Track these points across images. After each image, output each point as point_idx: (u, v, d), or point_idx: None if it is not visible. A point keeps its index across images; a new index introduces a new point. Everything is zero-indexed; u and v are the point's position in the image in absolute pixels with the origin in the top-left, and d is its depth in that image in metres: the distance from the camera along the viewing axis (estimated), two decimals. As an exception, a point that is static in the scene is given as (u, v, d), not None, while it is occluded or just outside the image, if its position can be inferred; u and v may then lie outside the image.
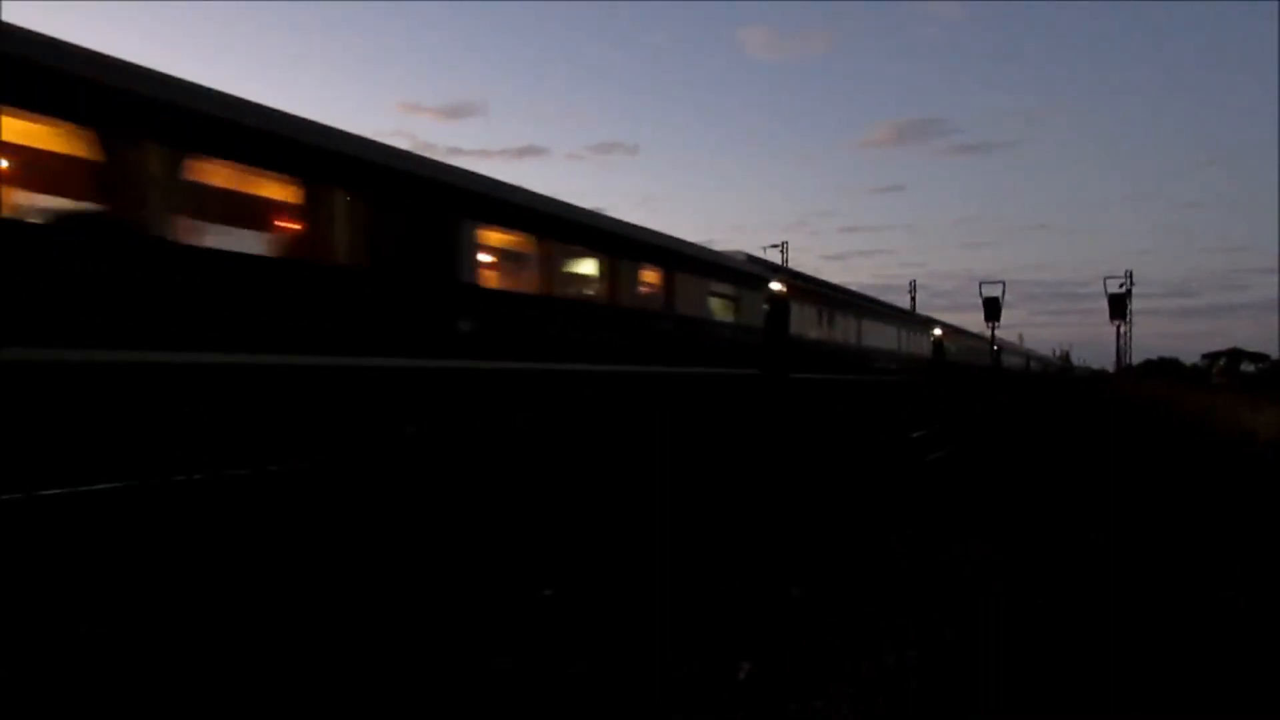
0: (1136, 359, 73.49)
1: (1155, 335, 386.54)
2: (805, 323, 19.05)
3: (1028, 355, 75.42)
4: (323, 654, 5.36)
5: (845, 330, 22.70)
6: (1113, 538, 8.76)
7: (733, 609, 6.38)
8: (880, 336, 25.53)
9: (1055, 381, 79.78)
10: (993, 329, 44.76)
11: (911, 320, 31.22)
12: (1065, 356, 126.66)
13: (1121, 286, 51.38)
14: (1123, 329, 53.20)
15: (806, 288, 20.10)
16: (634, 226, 13.17)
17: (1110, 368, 72.82)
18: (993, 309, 43.34)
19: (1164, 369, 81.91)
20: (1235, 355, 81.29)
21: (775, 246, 45.91)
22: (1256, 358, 78.51)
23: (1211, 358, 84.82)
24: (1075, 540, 8.54)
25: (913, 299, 56.99)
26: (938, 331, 34.71)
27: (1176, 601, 6.62)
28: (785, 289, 17.76)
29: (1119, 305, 50.87)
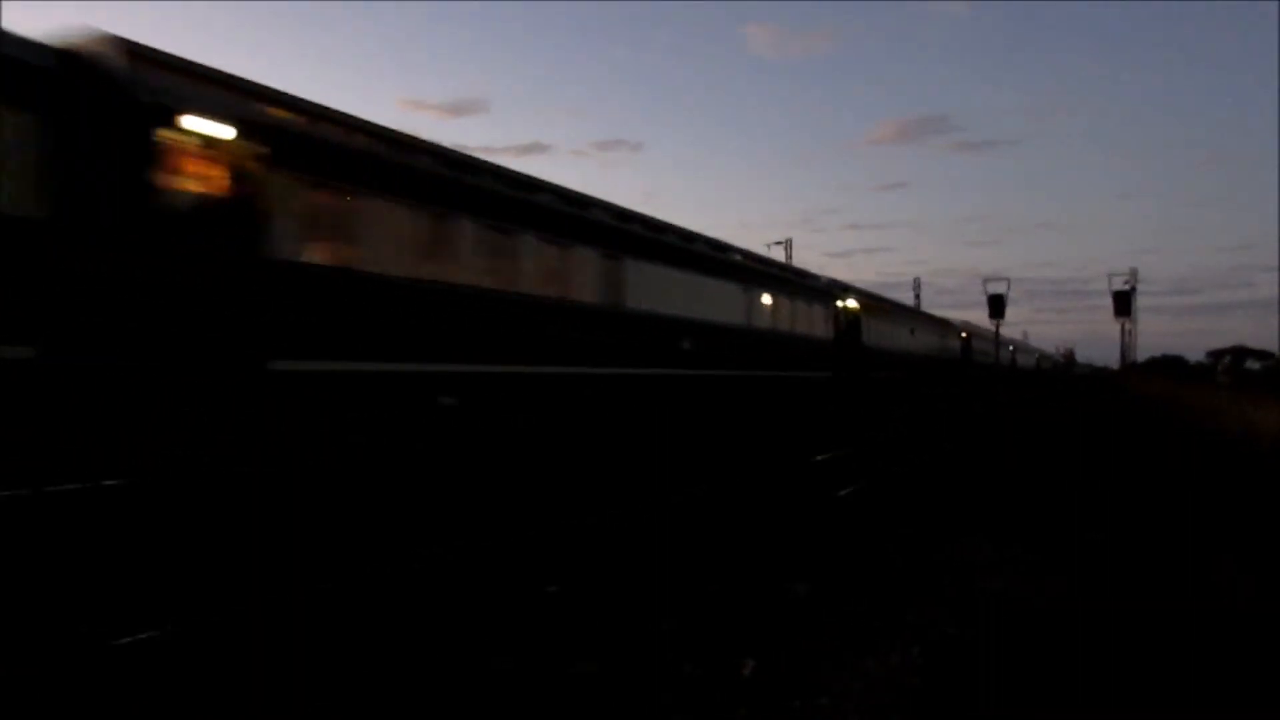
0: (1141, 356, 73.16)
1: (1159, 333, 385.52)
2: (420, 249, 8.93)
3: (1011, 348, 56.85)
4: (327, 654, 5.39)
5: (578, 278, 11.57)
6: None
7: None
8: (696, 300, 14.44)
9: (1051, 380, 71.55)
10: (998, 326, 44.61)
11: (789, 282, 18.79)
12: (1069, 354, 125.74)
13: (1126, 284, 51.29)
14: (1127, 326, 53.12)
15: (422, 170, 9.28)
16: None
17: (1114, 365, 72.29)
18: (997, 306, 43.31)
19: (1169, 366, 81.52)
20: (1240, 353, 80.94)
21: (779, 244, 45.90)
22: (1262, 355, 78.17)
23: (1216, 355, 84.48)
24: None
25: (917, 296, 56.86)
26: (850, 304, 21.98)
27: (1178, 601, 6.64)
28: (307, 143, 7.63)
29: (1123, 302, 50.73)
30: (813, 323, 20.46)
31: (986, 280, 43.88)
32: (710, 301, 15.19)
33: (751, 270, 17.59)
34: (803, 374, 19.29)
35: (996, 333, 46.09)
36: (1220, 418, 22.26)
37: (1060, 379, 78.08)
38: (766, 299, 17.76)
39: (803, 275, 21.79)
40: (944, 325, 38.14)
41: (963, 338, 40.31)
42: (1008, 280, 43.05)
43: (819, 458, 14.89)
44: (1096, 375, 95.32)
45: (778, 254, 41.73)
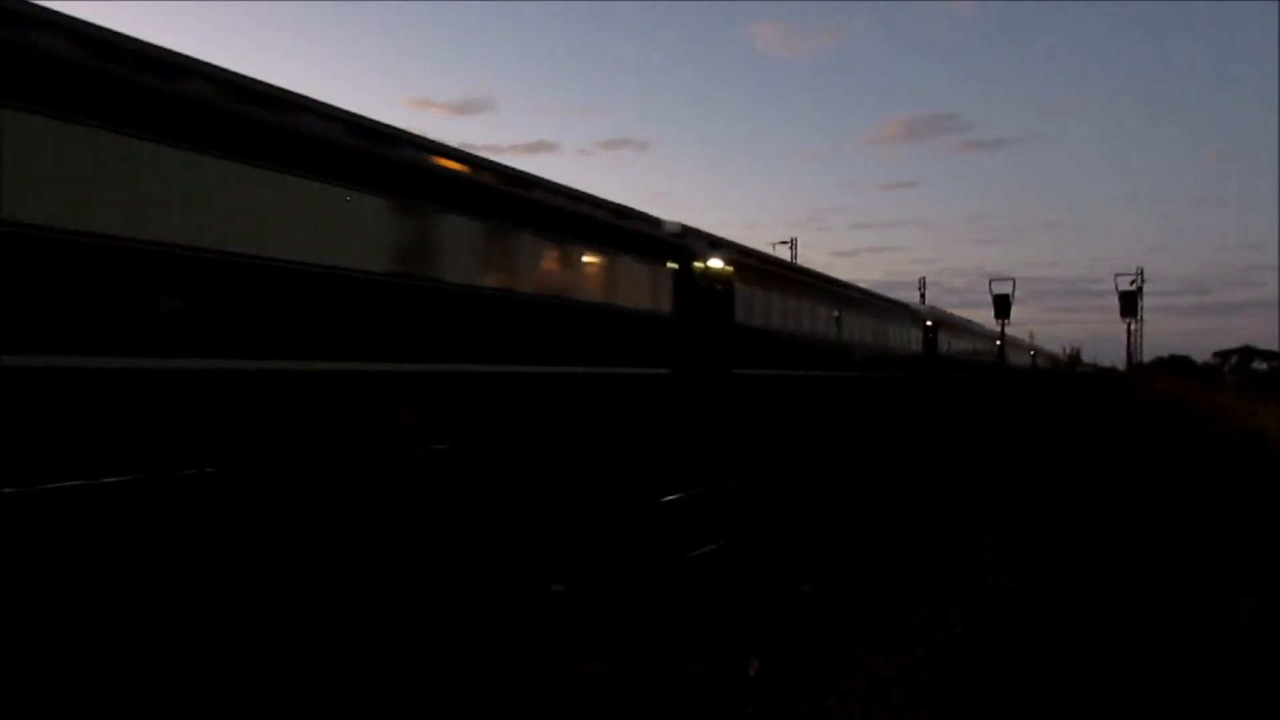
0: (1148, 356, 72.81)
1: (1167, 332, 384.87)
2: None
3: (999, 342, 45.34)
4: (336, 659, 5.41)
5: None
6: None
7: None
8: (285, 225, 7.66)
9: (1050, 382, 61.90)
10: (1003, 326, 44.25)
11: (568, 216, 11.67)
12: (1075, 353, 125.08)
13: (1132, 284, 51.21)
14: (1133, 326, 53.01)
15: None
16: None
17: (1121, 365, 71.72)
18: (1003, 306, 43.09)
19: (1175, 366, 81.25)
20: (1247, 353, 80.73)
21: (784, 243, 45.92)
22: (1268, 355, 77.94)
23: (1223, 356, 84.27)
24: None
25: (922, 295, 56.80)
26: (713, 264, 14.85)
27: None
28: None
29: (1130, 302, 50.68)
30: (623, 288, 12.30)
31: (992, 280, 43.51)
32: (337, 233, 8.04)
33: (464, 185, 9.68)
34: (592, 370, 11.40)
35: (1002, 329, 44.73)
36: (1227, 419, 22.21)
37: (1061, 381, 67.86)
38: (498, 242, 10.01)
39: (623, 215, 13.07)
40: (898, 309, 28.48)
41: (927, 327, 31.14)
42: (1013, 280, 42.13)
43: (666, 498, 10.31)
44: (1102, 375, 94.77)
45: (783, 254, 41.18)
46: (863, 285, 27.13)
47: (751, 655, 5.39)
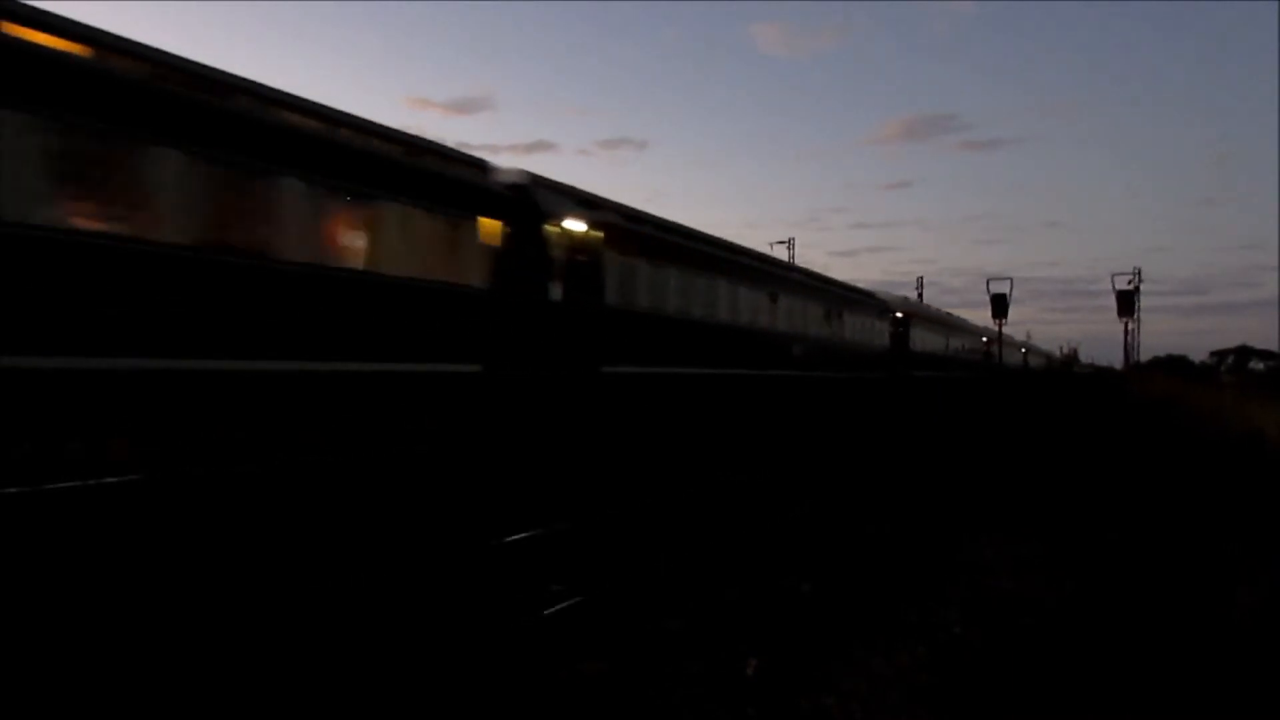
0: (1147, 356, 72.77)
1: (1167, 332, 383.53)
2: None
3: (985, 339, 41.58)
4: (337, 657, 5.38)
5: None
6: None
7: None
8: None
9: (1041, 382, 56.72)
10: (1000, 325, 44.07)
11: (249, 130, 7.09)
12: (1072, 353, 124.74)
13: (1130, 283, 51.23)
14: (1130, 326, 53.04)
15: None
16: None
17: (1119, 364, 71.63)
18: (1000, 306, 42.96)
19: (1172, 366, 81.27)
20: (1244, 353, 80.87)
21: (783, 243, 45.97)
22: (1265, 355, 78.07)
23: (1220, 355, 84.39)
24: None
25: (920, 295, 56.83)
26: (576, 229, 10.95)
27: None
28: None
29: (1126, 302, 50.67)
30: (395, 250, 8.55)
31: (990, 280, 43.36)
32: None
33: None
34: (275, 366, 7.31)
35: (1000, 330, 44.33)
36: (1225, 419, 22.22)
37: (1056, 381, 64.57)
38: (117, 162, 6.11)
39: (416, 152, 9.46)
40: (860, 299, 25.03)
41: (896, 320, 27.47)
42: (1010, 280, 42.03)
43: (509, 538, 8.18)
44: (1100, 375, 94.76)
45: (780, 253, 41.14)
46: (861, 285, 26.57)
47: (751, 655, 5.38)
